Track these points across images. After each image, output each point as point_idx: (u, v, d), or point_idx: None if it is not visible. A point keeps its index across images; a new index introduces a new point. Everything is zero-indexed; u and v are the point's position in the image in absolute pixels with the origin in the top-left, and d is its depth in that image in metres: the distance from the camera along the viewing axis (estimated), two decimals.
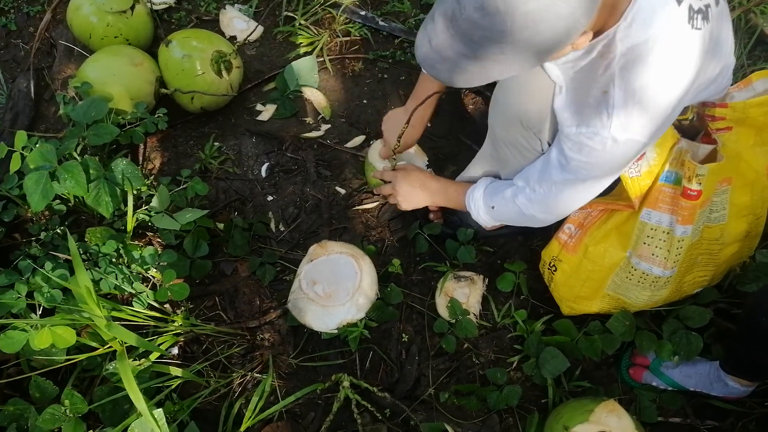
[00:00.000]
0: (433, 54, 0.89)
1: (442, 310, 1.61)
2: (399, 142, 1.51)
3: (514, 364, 1.57)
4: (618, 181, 1.27)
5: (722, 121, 1.24)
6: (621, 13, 0.95)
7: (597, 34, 0.99)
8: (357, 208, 1.79)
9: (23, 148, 1.49)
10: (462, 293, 1.62)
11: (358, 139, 1.89)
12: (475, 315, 1.61)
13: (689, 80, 1.01)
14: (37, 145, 1.48)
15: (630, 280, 1.39)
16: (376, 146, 1.72)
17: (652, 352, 1.49)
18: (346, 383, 1.49)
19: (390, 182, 1.56)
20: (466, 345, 1.60)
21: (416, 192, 1.51)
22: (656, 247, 1.31)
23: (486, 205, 1.39)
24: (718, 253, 1.39)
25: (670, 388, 1.49)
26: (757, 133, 1.27)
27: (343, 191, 1.82)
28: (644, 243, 1.32)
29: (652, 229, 1.30)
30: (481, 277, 1.65)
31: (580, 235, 1.43)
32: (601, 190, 1.22)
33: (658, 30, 0.96)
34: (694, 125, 1.30)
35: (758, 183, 1.31)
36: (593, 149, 1.08)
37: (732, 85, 1.26)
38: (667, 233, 1.29)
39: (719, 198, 1.30)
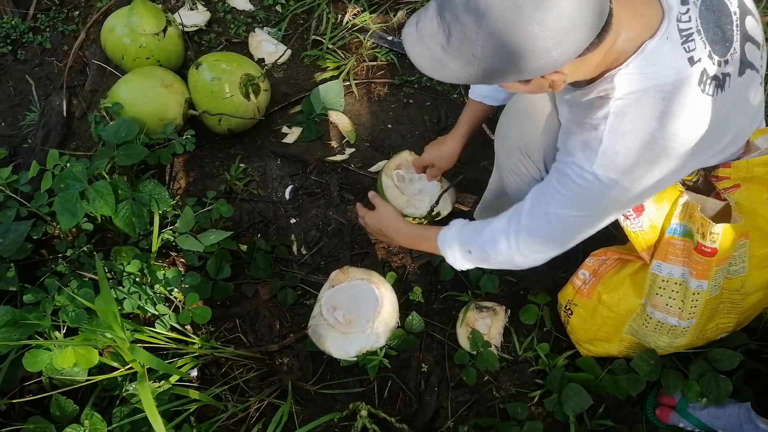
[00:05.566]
0: (416, 35, 0.91)
1: (463, 340, 1.59)
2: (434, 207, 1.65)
3: (536, 399, 1.54)
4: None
5: (727, 180, 1.21)
6: (625, 59, 0.96)
7: (601, 75, 0.99)
8: None
9: (54, 166, 1.52)
10: (483, 324, 1.60)
11: (382, 164, 1.89)
12: (496, 347, 1.59)
13: (688, 140, 0.99)
14: (68, 164, 1.51)
15: (646, 327, 1.37)
16: (389, 168, 1.73)
17: (679, 392, 1.45)
18: (363, 412, 1.47)
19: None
20: (486, 377, 1.57)
21: (382, 234, 1.50)
22: (670, 297, 1.29)
23: (462, 249, 1.28)
24: (740, 302, 1.36)
25: (697, 430, 1.45)
26: None
27: None
28: (657, 294, 1.30)
29: (663, 280, 1.29)
30: (503, 308, 1.63)
31: (594, 282, 1.41)
32: (578, 240, 1.15)
33: (661, 83, 0.96)
34: (699, 186, 1.28)
35: None
36: (574, 182, 1.05)
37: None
38: (680, 284, 1.27)
39: (738, 252, 1.27)
